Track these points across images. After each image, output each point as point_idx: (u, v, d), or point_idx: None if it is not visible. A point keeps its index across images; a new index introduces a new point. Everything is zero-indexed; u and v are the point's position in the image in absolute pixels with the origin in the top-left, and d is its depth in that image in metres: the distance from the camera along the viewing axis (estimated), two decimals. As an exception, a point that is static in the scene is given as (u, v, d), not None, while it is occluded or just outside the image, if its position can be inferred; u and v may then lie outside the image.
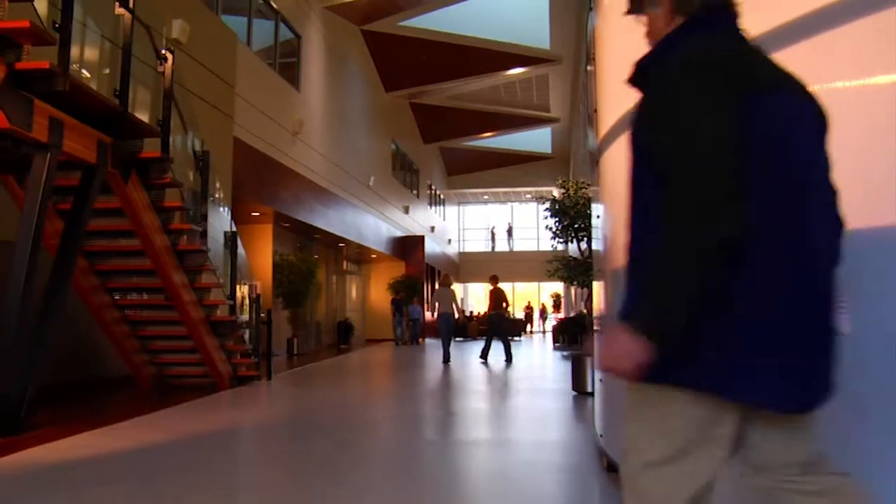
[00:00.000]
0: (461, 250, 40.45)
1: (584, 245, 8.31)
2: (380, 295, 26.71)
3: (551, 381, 11.26)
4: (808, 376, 1.55)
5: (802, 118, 1.62)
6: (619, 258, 3.01)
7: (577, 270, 8.17)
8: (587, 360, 8.46)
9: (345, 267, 24.62)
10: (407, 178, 28.79)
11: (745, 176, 1.46)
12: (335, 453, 5.12)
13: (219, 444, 5.59)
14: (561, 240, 8.24)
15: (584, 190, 8.18)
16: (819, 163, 1.64)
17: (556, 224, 8.26)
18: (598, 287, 5.12)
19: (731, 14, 1.69)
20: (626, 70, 1.81)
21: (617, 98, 3.84)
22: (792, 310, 1.52)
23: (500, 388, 10.29)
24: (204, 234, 8.12)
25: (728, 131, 1.48)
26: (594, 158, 4.78)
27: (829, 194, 1.67)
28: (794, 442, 1.65)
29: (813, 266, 1.56)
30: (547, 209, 8.36)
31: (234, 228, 9.49)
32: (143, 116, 7.19)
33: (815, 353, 1.56)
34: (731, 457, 1.63)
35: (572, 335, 20.56)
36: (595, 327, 5.30)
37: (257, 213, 15.30)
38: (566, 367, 14.02)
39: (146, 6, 6.85)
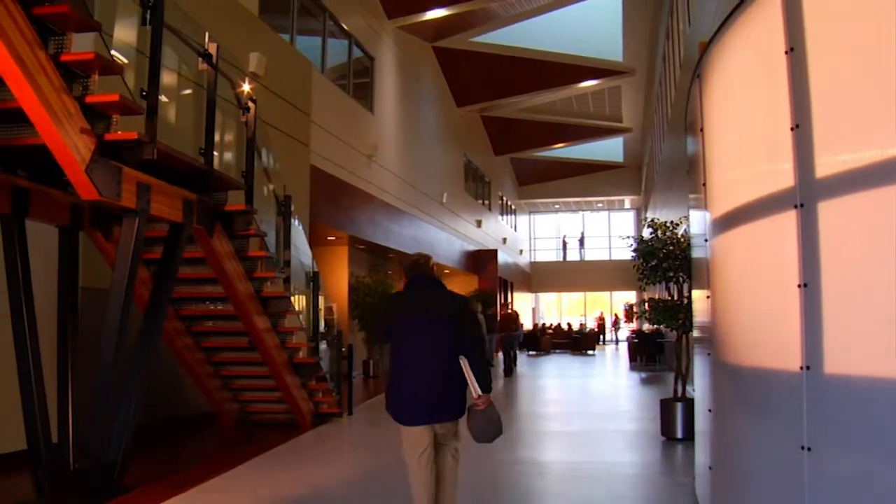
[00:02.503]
0: (532, 259, 40.05)
1: (673, 286, 7.96)
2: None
3: (633, 417, 10.77)
4: (407, 413, 4.17)
5: (410, 323, 4.24)
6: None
7: (666, 314, 7.82)
8: (678, 405, 8.06)
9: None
10: (478, 190, 28.62)
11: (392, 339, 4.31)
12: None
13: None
14: (649, 281, 7.88)
15: (673, 231, 7.84)
16: (421, 338, 4.19)
17: (644, 265, 7.93)
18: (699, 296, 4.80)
19: (416, 281, 4.37)
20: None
21: (728, 188, 3.58)
22: (401, 392, 4.19)
23: (578, 431, 9.98)
24: (287, 281, 8.10)
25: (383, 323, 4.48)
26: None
27: (424, 348, 4.16)
28: (445, 430, 4.22)
29: (414, 378, 4.16)
30: (634, 250, 8.03)
31: (315, 268, 9.44)
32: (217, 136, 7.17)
33: (410, 405, 4.16)
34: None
35: (650, 355, 19.95)
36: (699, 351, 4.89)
37: (333, 238, 15.37)
38: (646, 393, 13.61)
39: (222, 41, 6.78)
